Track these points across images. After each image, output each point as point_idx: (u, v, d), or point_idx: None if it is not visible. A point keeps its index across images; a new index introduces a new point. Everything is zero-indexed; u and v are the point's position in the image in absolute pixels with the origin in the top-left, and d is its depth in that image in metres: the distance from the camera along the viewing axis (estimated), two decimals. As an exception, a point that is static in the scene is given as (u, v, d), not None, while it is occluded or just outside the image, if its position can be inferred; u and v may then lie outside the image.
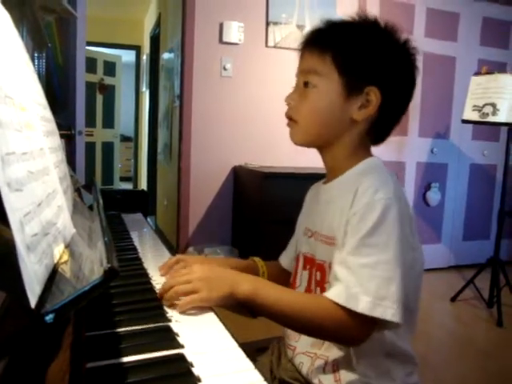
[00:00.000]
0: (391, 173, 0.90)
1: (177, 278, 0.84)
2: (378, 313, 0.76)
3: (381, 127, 0.93)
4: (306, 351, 0.94)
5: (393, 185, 0.83)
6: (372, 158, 0.93)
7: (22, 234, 0.41)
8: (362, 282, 0.77)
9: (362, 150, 0.94)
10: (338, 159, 0.94)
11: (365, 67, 0.87)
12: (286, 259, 1.15)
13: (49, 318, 0.40)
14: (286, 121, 0.95)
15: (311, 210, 1.01)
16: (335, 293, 0.78)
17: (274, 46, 3.36)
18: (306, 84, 0.90)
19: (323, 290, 0.89)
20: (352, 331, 0.79)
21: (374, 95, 0.87)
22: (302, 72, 0.92)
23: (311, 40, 0.93)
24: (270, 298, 0.81)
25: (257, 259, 1.13)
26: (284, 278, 1.13)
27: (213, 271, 0.86)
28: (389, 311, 0.76)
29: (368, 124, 0.91)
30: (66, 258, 0.55)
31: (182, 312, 0.78)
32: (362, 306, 0.76)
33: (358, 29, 0.91)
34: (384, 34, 0.90)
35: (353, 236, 0.80)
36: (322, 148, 0.96)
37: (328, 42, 0.89)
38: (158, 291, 0.86)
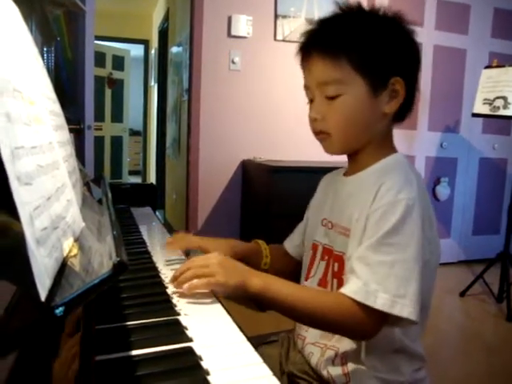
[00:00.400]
0: (414, 170, 0.90)
1: (195, 261, 0.86)
2: (396, 310, 0.76)
3: (405, 111, 0.93)
4: (316, 342, 0.95)
5: (416, 184, 0.83)
6: (396, 155, 0.93)
7: (31, 227, 0.41)
8: (380, 279, 0.77)
9: (388, 138, 0.94)
10: (366, 152, 0.93)
11: (383, 60, 0.86)
12: (290, 245, 1.15)
13: (59, 311, 0.40)
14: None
15: (331, 201, 0.99)
16: (353, 289, 0.78)
17: (283, 40, 3.35)
18: (329, 97, 0.88)
19: (340, 281, 0.89)
20: (366, 327, 0.79)
21: (399, 85, 0.87)
22: (319, 85, 0.89)
23: (318, 46, 0.88)
24: (281, 292, 0.81)
25: (260, 242, 1.15)
26: (286, 263, 1.15)
27: (229, 260, 0.87)
28: (406, 309, 0.76)
29: (395, 111, 0.91)
30: (75, 251, 0.55)
31: (192, 292, 0.81)
32: (381, 302, 0.76)
33: (362, 22, 0.88)
34: (386, 20, 0.89)
35: (374, 233, 0.80)
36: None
37: (338, 45, 0.86)
38: (171, 276, 0.87)
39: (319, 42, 0.89)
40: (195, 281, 0.82)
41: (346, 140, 0.91)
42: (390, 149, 0.94)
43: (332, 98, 0.87)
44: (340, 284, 0.89)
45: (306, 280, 1.02)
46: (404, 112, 0.93)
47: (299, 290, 0.86)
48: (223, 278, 0.81)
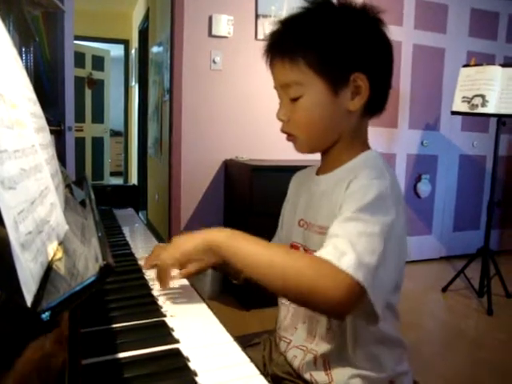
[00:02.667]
0: (389, 167, 0.88)
1: (161, 255, 0.86)
2: (360, 274, 0.71)
3: (376, 105, 0.90)
4: (300, 345, 0.95)
5: (389, 179, 0.82)
6: (369, 152, 0.92)
7: (16, 232, 0.41)
8: (350, 242, 0.74)
9: (360, 136, 0.92)
10: (337, 150, 0.92)
11: (341, 58, 0.84)
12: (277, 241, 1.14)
13: (45, 315, 0.40)
14: (275, 113, 0.93)
15: (305, 201, 0.98)
16: (323, 252, 0.75)
17: (264, 39, 3.34)
18: (292, 98, 0.87)
19: None
20: (335, 291, 0.72)
21: (360, 80, 0.84)
22: (282, 87, 0.89)
23: (276, 49, 0.88)
24: (249, 245, 0.80)
25: None
26: None
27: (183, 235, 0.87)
28: (369, 278, 0.72)
29: (362, 107, 0.88)
30: (59, 255, 0.55)
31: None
32: (347, 263, 0.71)
33: (317, 19, 0.86)
34: (351, 13, 0.86)
35: (346, 209, 0.78)
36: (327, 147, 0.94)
37: (293, 46, 0.85)
38: (155, 285, 0.87)
39: (278, 45, 0.88)
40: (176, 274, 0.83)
41: (311, 140, 0.91)
42: (363, 146, 0.93)
43: (295, 100, 0.87)
44: None
45: None
46: (375, 108, 0.90)
47: (268, 244, 0.84)
48: (188, 244, 0.82)
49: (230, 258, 0.79)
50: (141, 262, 1.04)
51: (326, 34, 0.84)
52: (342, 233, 0.76)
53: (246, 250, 0.79)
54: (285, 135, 0.94)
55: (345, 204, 0.80)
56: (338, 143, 0.91)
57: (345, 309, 0.75)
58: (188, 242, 0.83)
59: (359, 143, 0.93)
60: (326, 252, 0.74)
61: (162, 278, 0.83)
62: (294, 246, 1.00)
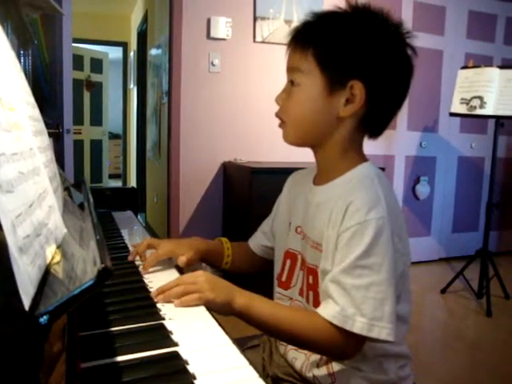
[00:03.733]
0: (383, 182, 0.87)
1: (184, 277, 0.86)
2: (374, 333, 0.77)
3: (372, 122, 0.89)
4: (298, 348, 0.95)
5: (384, 201, 0.82)
6: (364, 166, 0.90)
7: (14, 236, 0.41)
8: (357, 303, 0.77)
9: (353, 148, 0.91)
10: (330, 159, 0.92)
11: (345, 60, 0.84)
12: (256, 244, 1.16)
13: (43, 319, 0.40)
14: (274, 116, 0.94)
15: (302, 209, 0.98)
16: (331, 313, 0.79)
17: (262, 41, 3.35)
18: (292, 83, 0.89)
19: (316, 294, 0.90)
20: (344, 349, 0.81)
21: (357, 89, 0.83)
22: (288, 70, 0.91)
23: (294, 36, 0.90)
24: (263, 313, 0.82)
25: (224, 240, 1.15)
26: (251, 261, 1.16)
27: (216, 278, 0.87)
28: (384, 331, 0.77)
29: (357, 120, 0.87)
30: (58, 258, 0.55)
31: (181, 306, 0.81)
32: (359, 326, 0.76)
33: (339, 20, 0.87)
34: (370, 21, 0.86)
35: (346, 255, 0.79)
36: (314, 147, 0.94)
37: (309, 37, 0.87)
38: (154, 288, 0.86)
39: (298, 31, 0.90)
40: (186, 297, 0.81)
41: (296, 131, 0.91)
42: (358, 157, 0.92)
43: (293, 85, 0.89)
44: (316, 297, 0.90)
45: (286, 289, 1.01)
46: (371, 124, 0.90)
47: (280, 310, 0.86)
48: (212, 294, 0.81)
49: (248, 322, 0.83)
50: (132, 258, 1.06)
51: (340, 34, 0.85)
52: (348, 288, 0.78)
53: (264, 319, 0.82)
54: (286, 143, 0.95)
55: (342, 245, 0.81)
56: (328, 150, 0.91)
57: (355, 355, 0.83)
58: (212, 292, 0.82)
59: (354, 154, 0.92)
60: (336, 317, 0.78)
61: (171, 297, 0.83)
62: (290, 254, 1.01)
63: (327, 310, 0.79)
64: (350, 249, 0.79)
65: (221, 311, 0.82)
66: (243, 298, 0.83)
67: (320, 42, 0.85)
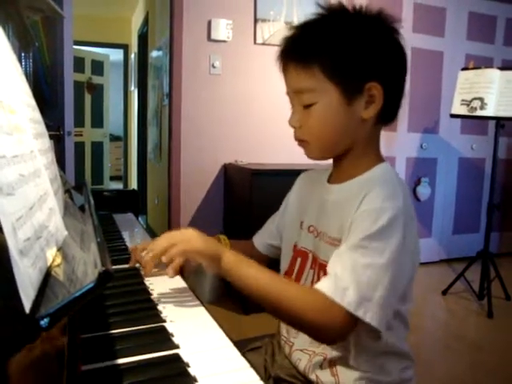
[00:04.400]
0: (402, 182, 0.88)
1: (171, 233, 0.87)
2: (360, 312, 0.75)
3: (389, 114, 0.90)
4: (304, 348, 0.94)
5: (402, 198, 0.82)
6: (383, 165, 0.91)
7: (14, 238, 0.41)
8: (352, 278, 0.76)
9: (373, 145, 0.92)
10: (351, 159, 0.91)
11: (356, 67, 0.83)
12: (260, 242, 1.15)
13: (44, 322, 0.40)
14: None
15: (316, 208, 0.97)
16: (324, 284, 0.78)
17: (263, 43, 3.36)
18: (305, 105, 0.87)
19: None
20: (330, 327, 0.78)
21: (375, 90, 0.84)
22: (296, 93, 0.88)
23: (291, 54, 0.87)
24: (252, 273, 0.81)
25: (222, 237, 1.15)
26: (252, 258, 1.14)
27: (205, 235, 0.87)
28: (369, 314, 0.76)
29: (375, 116, 0.88)
30: (58, 261, 0.55)
31: (166, 261, 0.81)
32: (348, 301, 0.75)
33: (336, 27, 0.85)
34: (366, 21, 0.86)
35: (355, 234, 0.80)
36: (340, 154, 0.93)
37: (310, 52, 0.84)
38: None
39: (293, 50, 0.87)
40: (170, 249, 0.81)
41: (323, 147, 0.90)
42: (376, 157, 0.93)
43: (308, 106, 0.86)
44: None
45: None
46: (388, 115, 0.90)
47: (270, 274, 0.84)
48: (201, 244, 0.81)
49: (235, 281, 0.82)
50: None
51: (342, 41, 0.83)
52: (348, 263, 0.78)
53: (251, 280, 0.81)
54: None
55: (354, 225, 0.81)
56: (351, 151, 0.91)
57: (339, 340, 0.81)
58: (201, 242, 0.82)
59: (373, 153, 0.92)
60: (328, 287, 0.77)
61: (149, 263, 0.82)
62: (301, 252, 1.00)
63: (321, 283, 0.79)
64: (360, 229, 0.79)
65: (209, 265, 0.82)
66: (233, 256, 0.82)
67: (324, 55, 0.83)
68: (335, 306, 0.76)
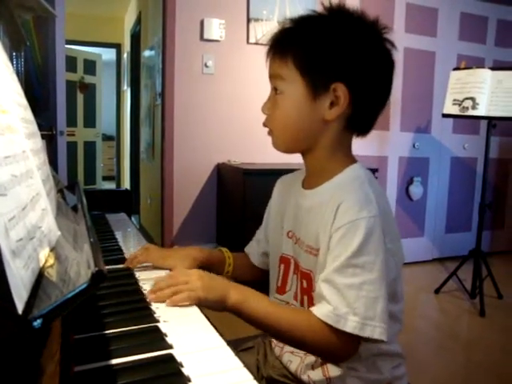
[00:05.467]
0: (373, 183, 0.88)
1: (175, 276, 0.85)
2: (367, 332, 0.77)
3: (359, 121, 0.89)
4: (294, 351, 0.95)
5: (375, 201, 0.82)
6: (354, 168, 0.90)
7: (7, 239, 0.40)
8: (349, 302, 0.77)
9: (341, 150, 0.91)
10: (319, 162, 0.91)
11: (325, 64, 0.83)
12: (253, 254, 1.15)
13: (37, 323, 0.39)
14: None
15: (293, 213, 0.98)
16: (324, 313, 0.79)
17: (256, 43, 3.36)
18: (275, 90, 0.89)
19: (310, 298, 0.90)
20: (339, 350, 0.81)
21: (340, 91, 0.83)
22: (270, 78, 0.91)
23: (273, 42, 0.90)
24: (258, 310, 0.82)
25: (224, 249, 1.14)
26: (251, 272, 1.15)
27: (209, 275, 0.87)
28: (377, 330, 0.77)
29: (343, 121, 0.87)
30: (51, 261, 0.54)
31: (171, 305, 0.80)
32: (352, 326, 0.76)
33: (315, 24, 0.86)
34: (346, 22, 0.85)
35: (338, 255, 0.80)
36: (303, 152, 0.94)
37: (287, 43, 0.86)
38: (148, 289, 0.86)
39: (276, 39, 0.90)
40: (175, 296, 0.81)
41: (284, 139, 0.91)
42: (345, 159, 0.91)
43: (276, 93, 0.89)
44: (310, 300, 0.90)
45: (282, 294, 1.00)
46: (358, 123, 0.89)
47: (274, 308, 0.85)
48: (203, 293, 0.81)
49: (242, 319, 0.83)
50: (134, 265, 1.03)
51: (318, 38, 0.84)
52: (341, 288, 0.78)
53: (258, 315, 0.82)
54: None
55: (334, 244, 0.81)
56: (315, 153, 0.91)
57: (350, 357, 0.83)
58: (205, 291, 0.81)
59: (343, 156, 0.91)
60: (328, 316, 0.78)
61: (162, 298, 0.82)
62: (283, 258, 1.00)
63: (321, 310, 0.80)
64: (342, 248, 0.79)
65: (213, 308, 0.82)
66: (237, 295, 0.82)
67: (298, 47, 0.85)
68: (341, 333, 0.78)
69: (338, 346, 0.80)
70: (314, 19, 0.88)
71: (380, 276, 0.78)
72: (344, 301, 0.78)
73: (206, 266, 1.06)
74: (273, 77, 0.90)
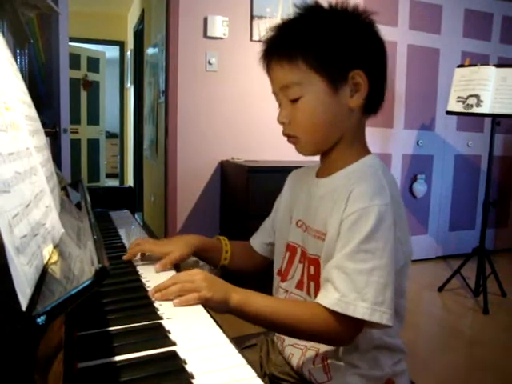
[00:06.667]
0: (388, 173, 0.89)
1: (180, 276, 0.86)
2: (376, 318, 0.77)
3: (375, 102, 0.91)
4: (295, 343, 0.95)
5: (388, 190, 0.83)
6: (369, 157, 0.92)
7: (10, 235, 0.41)
8: (358, 288, 0.77)
9: (359, 139, 0.93)
10: (339, 153, 0.92)
11: (338, 55, 0.85)
12: (257, 242, 1.15)
13: (40, 320, 0.39)
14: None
15: (305, 203, 0.98)
16: (331, 302, 0.79)
17: (259, 40, 3.35)
18: (292, 100, 0.88)
19: (317, 284, 0.90)
20: (343, 335, 0.81)
21: (359, 77, 0.85)
22: (282, 89, 0.89)
23: (274, 52, 0.89)
24: (259, 307, 0.82)
25: (222, 238, 1.14)
26: (252, 260, 1.15)
27: (212, 276, 0.87)
28: (385, 316, 0.78)
29: (361, 106, 0.89)
30: (55, 258, 0.55)
31: (180, 305, 0.80)
32: (361, 312, 0.77)
33: (316, 20, 0.87)
34: (343, 15, 0.88)
35: (349, 240, 0.80)
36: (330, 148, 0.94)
37: (292, 46, 0.86)
38: (152, 287, 0.86)
39: (275, 48, 0.89)
40: (185, 296, 0.81)
41: (315, 141, 0.91)
42: (363, 149, 0.93)
43: (295, 101, 0.87)
44: (317, 287, 0.90)
45: (283, 282, 1.01)
46: (374, 104, 0.91)
47: (276, 303, 0.86)
48: (209, 293, 0.81)
49: (245, 319, 0.83)
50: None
51: (323, 34, 0.85)
52: (351, 273, 0.78)
53: (260, 313, 0.82)
54: (282, 136, 0.94)
55: (345, 229, 0.82)
56: (339, 144, 0.91)
57: (353, 339, 0.83)
58: (209, 291, 0.81)
59: (359, 145, 0.93)
60: (337, 304, 0.78)
61: (169, 296, 0.83)
62: (290, 246, 1.00)
63: (327, 299, 0.80)
64: (353, 234, 0.80)
65: (217, 309, 0.82)
66: (238, 295, 0.82)
67: (307, 47, 0.85)
68: (348, 319, 0.78)
69: (342, 332, 0.80)
70: (303, 19, 0.89)
71: (389, 263, 0.79)
72: (353, 286, 0.78)
73: (203, 252, 1.08)
74: (284, 87, 0.88)
